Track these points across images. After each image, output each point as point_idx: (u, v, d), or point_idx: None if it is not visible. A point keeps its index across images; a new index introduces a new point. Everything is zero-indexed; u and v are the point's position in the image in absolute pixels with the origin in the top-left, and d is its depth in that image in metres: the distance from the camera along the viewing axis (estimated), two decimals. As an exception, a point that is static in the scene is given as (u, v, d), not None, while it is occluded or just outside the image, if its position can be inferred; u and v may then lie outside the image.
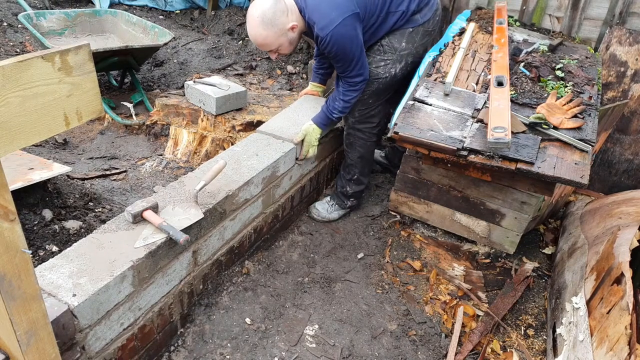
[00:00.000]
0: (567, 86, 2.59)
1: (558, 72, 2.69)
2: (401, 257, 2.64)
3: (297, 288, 2.34)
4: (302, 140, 2.51)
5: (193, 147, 3.36)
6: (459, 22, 3.20)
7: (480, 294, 2.45)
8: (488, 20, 3.22)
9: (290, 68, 4.53)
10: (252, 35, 2.24)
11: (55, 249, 2.14)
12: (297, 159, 2.55)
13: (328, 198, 2.89)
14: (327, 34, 2.19)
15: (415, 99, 2.52)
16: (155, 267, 1.72)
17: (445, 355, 2.09)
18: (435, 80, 2.66)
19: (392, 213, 2.92)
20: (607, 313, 1.74)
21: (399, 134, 2.31)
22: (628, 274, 1.76)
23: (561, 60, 2.82)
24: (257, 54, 4.79)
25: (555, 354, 1.98)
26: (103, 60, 3.61)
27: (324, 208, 2.85)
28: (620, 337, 1.60)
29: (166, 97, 3.60)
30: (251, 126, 3.25)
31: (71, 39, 4.12)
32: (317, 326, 2.16)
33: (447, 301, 2.38)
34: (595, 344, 1.71)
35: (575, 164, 2.15)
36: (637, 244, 1.99)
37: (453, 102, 2.51)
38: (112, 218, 1.83)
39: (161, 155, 3.44)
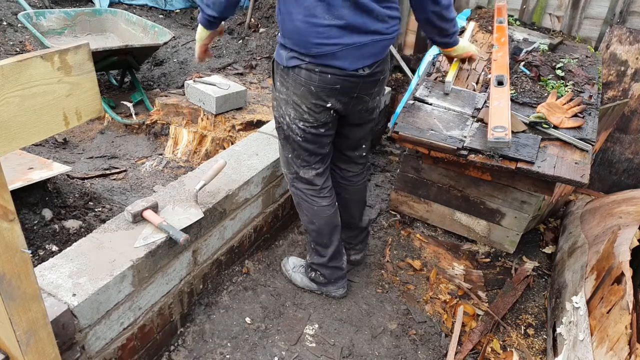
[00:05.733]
0: (567, 85, 2.59)
1: (558, 72, 2.69)
2: (401, 256, 2.64)
3: (297, 287, 2.34)
4: None
5: (193, 146, 3.36)
6: (459, 22, 3.20)
7: (480, 293, 2.45)
8: (488, 20, 3.21)
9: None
10: None
11: (55, 248, 2.14)
12: None
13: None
14: None
15: (415, 98, 2.51)
16: (155, 267, 1.72)
17: (446, 355, 2.09)
18: (436, 79, 2.66)
19: (392, 212, 2.92)
20: (607, 312, 1.73)
21: (399, 133, 2.31)
22: (628, 273, 1.76)
23: (561, 60, 2.82)
24: (256, 53, 4.79)
25: (555, 354, 1.98)
26: (103, 60, 3.61)
27: (295, 264, 2.35)
28: (620, 337, 1.60)
29: (166, 96, 3.59)
30: (251, 125, 3.24)
31: (71, 38, 4.12)
32: (317, 325, 2.16)
33: (447, 300, 2.38)
34: (595, 343, 1.71)
35: (576, 163, 2.15)
36: (638, 244, 1.99)
37: (453, 101, 2.51)
38: (112, 218, 1.83)
39: (161, 154, 3.44)
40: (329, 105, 1.81)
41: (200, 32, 2.07)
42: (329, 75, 1.73)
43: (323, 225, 2.09)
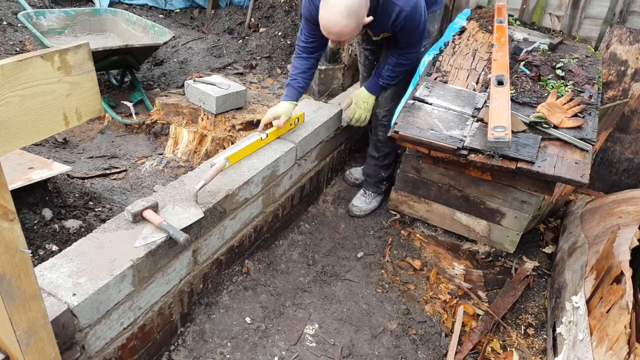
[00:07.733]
0: (567, 85, 2.59)
1: (558, 71, 2.69)
2: (401, 256, 2.64)
3: (297, 287, 2.34)
4: (351, 105, 2.76)
5: (193, 146, 3.36)
6: (459, 21, 3.20)
7: (480, 293, 2.45)
8: (488, 19, 3.21)
9: (290, 67, 4.53)
10: (330, 22, 2.11)
11: (55, 248, 2.14)
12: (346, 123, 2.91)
13: (362, 191, 2.98)
14: (412, 6, 2.26)
15: (415, 98, 2.51)
16: (155, 267, 1.72)
17: (446, 355, 2.09)
18: (436, 79, 2.66)
19: (392, 212, 2.92)
20: (607, 312, 1.74)
21: (399, 133, 2.31)
22: (628, 273, 1.76)
23: (561, 59, 2.82)
24: (257, 53, 4.79)
25: (555, 353, 1.98)
26: (103, 59, 3.61)
27: (362, 201, 2.93)
28: (619, 336, 1.60)
29: (166, 96, 3.60)
30: (251, 125, 3.24)
31: (71, 37, 4.12)
32: (317, 325, 2.16)
33: (447, 300, 2.38)
34: (595, 343, 1.71)
35: (576, 163, 2.15)
36: (637, 243, 1.99)
37: (453, 101, 2.51)
38: (112, 217, 1.83)
39: (161, 154, 3.44)
40: None
41: (366, 96, 2.69)
42: None
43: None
